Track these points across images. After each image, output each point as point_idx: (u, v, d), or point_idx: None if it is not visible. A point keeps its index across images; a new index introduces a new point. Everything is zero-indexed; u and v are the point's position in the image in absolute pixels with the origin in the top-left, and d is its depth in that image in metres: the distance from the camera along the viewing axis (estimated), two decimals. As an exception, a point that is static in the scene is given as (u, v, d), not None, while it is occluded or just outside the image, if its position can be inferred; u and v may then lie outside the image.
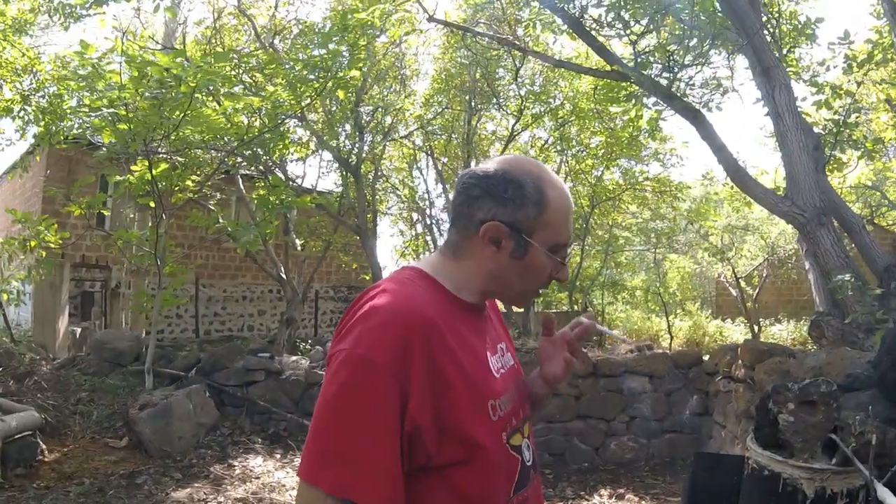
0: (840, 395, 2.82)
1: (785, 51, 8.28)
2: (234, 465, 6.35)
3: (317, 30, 10.12)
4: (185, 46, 10.80)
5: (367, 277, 14.54)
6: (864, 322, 5.50)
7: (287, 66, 8.78)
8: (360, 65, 8.68)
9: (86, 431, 6.48)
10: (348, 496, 1.25)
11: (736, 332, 16.32)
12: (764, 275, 16.73)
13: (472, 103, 14.26)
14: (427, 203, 17.27)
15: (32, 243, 8.30)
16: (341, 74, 8.35)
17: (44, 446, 5.90)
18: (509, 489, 1.44)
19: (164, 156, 7.71)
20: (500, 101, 14.62)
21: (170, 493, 5.59)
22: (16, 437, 5.58)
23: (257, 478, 6.14)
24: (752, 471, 2.79)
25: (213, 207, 10.54)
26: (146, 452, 6.33)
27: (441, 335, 1.34)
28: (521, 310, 16.20)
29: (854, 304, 5.77)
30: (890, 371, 3.41)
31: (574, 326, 1.63)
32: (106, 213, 10.46)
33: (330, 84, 8.39)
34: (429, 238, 17.16)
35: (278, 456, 6.75)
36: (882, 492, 2.36)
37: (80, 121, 8.42)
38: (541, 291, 1.57)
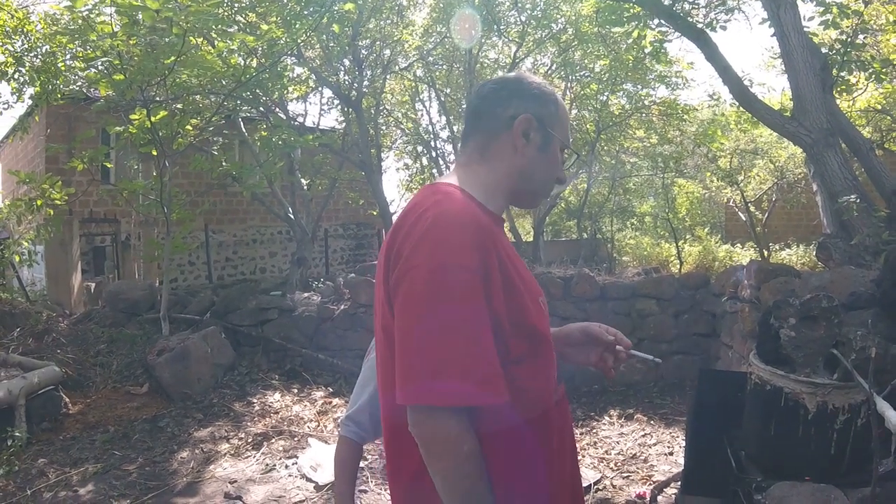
0: (841, 311, 2.84)
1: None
2: (253, 402, 6.51)
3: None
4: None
5: (375, 213, 14.56)
6: (871, 244, 5.48)
7: (281, 3, 8.61)
8: (355, -4, 8.51)
9: (107, 381, 6.65)
10: (469, 403, 1.28)
11: (745, 256, 16.29)
12: (773, 199, 16.61)
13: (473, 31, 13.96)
14: (431, 135, 17.12)
15: (39, 202, 8.33)
16: (336, 8, 8.18)
17: (67, 399, 6.07)
18: (556, 379, 1.57)
19: (163, 102, 7.64)
20: (501, 27, 14.31)
21: (192, 433, 5.77)
22: (39, 392, 5.74)
23: (276, 412, 6.31)
24: (755, 386, 2.83)
25: (215, 152, 10.49)
26: (167, 396, 6.50)
27: (497, 236, 1.42)
28: (532, 239, 16.24)
29: (861, 226, 5.74)
30: (892, 290, 3.43)
31: (614, 336, 1.77)
32: (109, 165, 10.46)
33: (325, 18, 8.24)
34: (435, 171, 17.08)
35: (295, 390, 6.92)
36: (882, 405, 2.39)
37: (76, 76, 8.32)
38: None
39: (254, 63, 8.57)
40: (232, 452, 5.38)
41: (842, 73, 7.29)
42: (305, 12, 8.24)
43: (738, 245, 17.75)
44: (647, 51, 9.86)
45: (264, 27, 8.16)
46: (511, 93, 1.57)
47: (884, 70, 8.39)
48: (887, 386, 2.44)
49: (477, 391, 1.27)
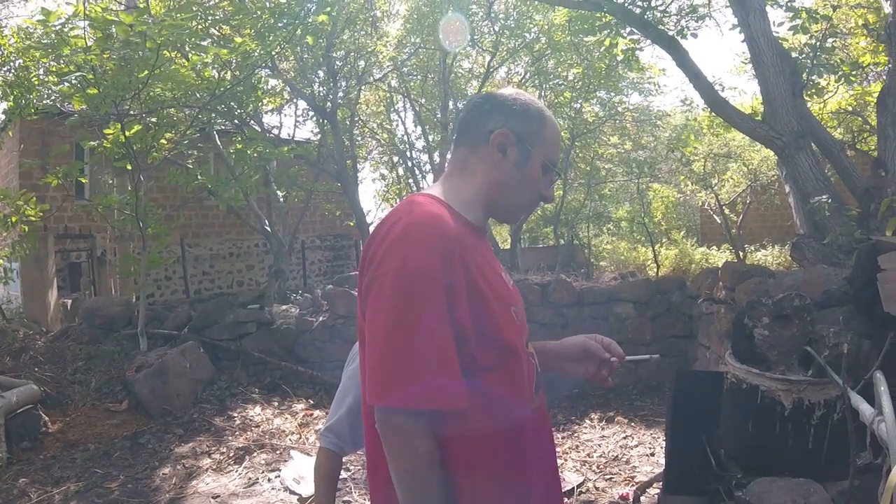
0: (814, 309, 2.90)
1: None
2: (234, 417, 6.47)
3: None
4: (148, 4, 10.54)
5: (352, 224, 14.55)
6: (844, 243, 5.57)
7: (254, 16, 8.60)
8: (329, 9, 8.52)
9: (86, 399, 6.56)
10: (424, 407, 1.33)
11: (721, 258, 16.42)
12: (748, 201, 16.81)
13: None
14: (407, 145, 17.19)
15: (13, 219, 8.22)
16: (310, 20, 8.20)
17: (46, 418, 5.99)
18: (531, 390, 1.57)
19: (137, 117, 7.59)
20: (475, 37, 14.41)
21: (173, 449, 5.72)
22: (18, 411, 5.66)
23: (257, 426, 6.27)
24: (731, 385, 2.88)
25: (190, 165, 10.44)
26: (147, 412, 6.43)
27: (469, 247, 1.45)
28: (509, 247, 16.30)
29: (833, 225, 5.84)
30: (865, 287, 3.49)
31: (609, 349, 1.78)
32: (84, 180, 10.35)
33: (299, 31, 8.25)
34: (411, 181, 17.12)
35: (276, 403, 6.88)
36: (856, 400, 2.44)
37: (49, 90, 8.24)
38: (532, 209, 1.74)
39: (228, 76, 8.55)
40: (214, 467, 5.34)
41: (812, 77, 7.42)
42: (279, 24, 8.24)
43: (714, 247, 17.93)
44: (619, 59, 9.98)
45: (238, 40, 8.15)
46: (493, 107, 1.60)
47: (853, 73, 8.55)
48: (860, 381, 2.49)
49: (433, 396, 1.32)
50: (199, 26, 7.97)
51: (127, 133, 7.18)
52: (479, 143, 1.58)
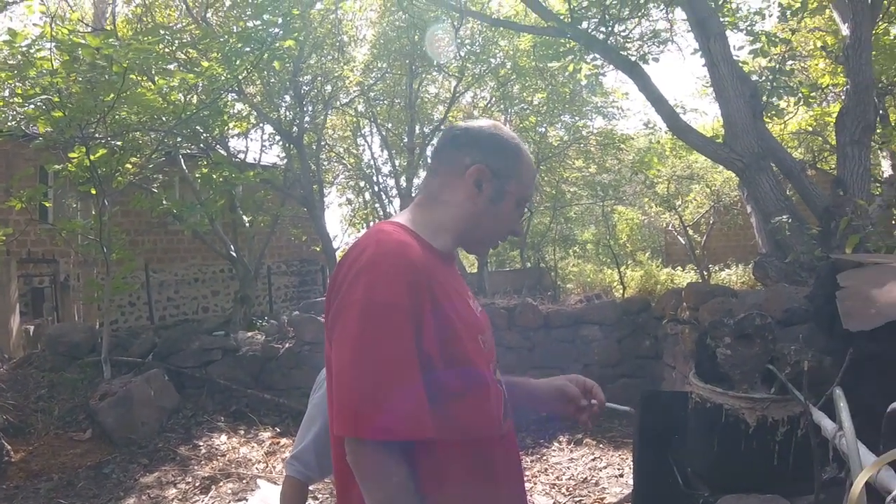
0: (776, 327, 2.96)
1: (721, 0, 8.36)
2: (200, 445, 6.36)
3: (250, 0, 9.91)
4: (115, 27, 10.49)
5: (318, 249, 14.49)
6: (806, 261, 5.70)
7: (221, 40, 8.59)
8: (296, 34, 8.55)
9: (49, 428, 6.40)
10: (392, 438, 1.32)
11: (686, 279, 16.66)
12: (711, 222, 17.11)
13: (413, 67, 14.17)
14: (373, 170, 17.19)
15: (-25, 243, 8.05)
16: (277, 45, 8.22)
17: (9, 447, 5.82)
18: (500, 416, 1.57)
19: (102, 140, 7.51)
20: (441, 62, 14.54)
21: (138, 479, 5.60)
22: (-21, 441, 5.51)
23: (223, 455, 6.17)
24: (696, 404, 2.92)
25: (156, 190, 10.33)
26: (111, 441, 6.29)
27: (436, 275, 1.45)
28: (476, 271, 16.34)
29: (795, 244, 5.98)
30: (825, 305, 3.58)
31: (591, 393, 1.85)
32: (48, 204, 10.17)
33: (266, 55, 8.26)
34: (378, 205, 17.11)
35: (242, 432, 6.78)
36: (818, 415, 2.49)
37: (14, 112, 8.13)
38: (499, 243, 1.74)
39: (194, 100, 8.51)
40: (180, 497, 5.24)
41: (772, 99, 7.62)
42: (246, 49, 8.24)
43: (679, 268, 18.18)
44: (583, 83, 10.18)
45: (205, 64, 8.13)
46: (470, 140, 1.60)
47: (812, 94, 8.80)
48: (822, 397, 2.54)
49: (400, 426, 1.32)
50: (166, 50, 7.94)
51: (92, 157, 7.10)
52: (454, 175, 1.59)
